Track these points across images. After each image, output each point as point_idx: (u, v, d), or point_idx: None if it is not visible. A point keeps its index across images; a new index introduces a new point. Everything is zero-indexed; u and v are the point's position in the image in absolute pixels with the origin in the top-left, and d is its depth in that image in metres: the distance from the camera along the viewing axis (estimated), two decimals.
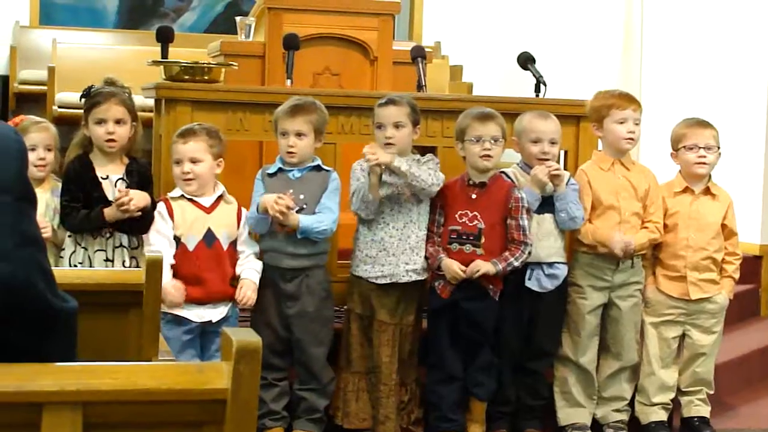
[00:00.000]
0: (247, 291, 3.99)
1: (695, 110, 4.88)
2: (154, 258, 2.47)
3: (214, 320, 3.97)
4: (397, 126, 4.11)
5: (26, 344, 1.68)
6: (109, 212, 3.99)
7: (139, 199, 3.99)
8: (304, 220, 4.01)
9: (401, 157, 4.06)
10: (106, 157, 4.12)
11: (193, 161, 3.98)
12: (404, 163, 4.02)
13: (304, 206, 4.04)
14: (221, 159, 4.05)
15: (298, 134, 4.05)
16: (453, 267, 4.07)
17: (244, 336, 1.60)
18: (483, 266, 4.06)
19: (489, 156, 4.11)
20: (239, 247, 4.06)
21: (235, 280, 4.05)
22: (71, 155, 4.15)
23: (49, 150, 4.17)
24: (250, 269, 4.03)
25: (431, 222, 4.16)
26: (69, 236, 4.10)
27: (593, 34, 7.45)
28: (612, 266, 4.32)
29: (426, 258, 4.14)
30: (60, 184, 4.17)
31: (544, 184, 4.19)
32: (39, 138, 4.12)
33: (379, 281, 4.13)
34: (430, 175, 4.06)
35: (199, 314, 3.96)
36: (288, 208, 3.97)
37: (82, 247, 4.06)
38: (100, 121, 4.07)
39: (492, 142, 4.11)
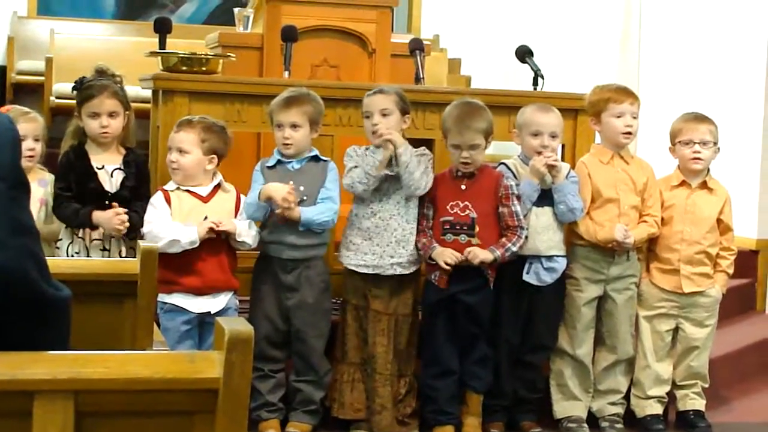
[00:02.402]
0: (226, 224, 3.94)
1: (692, 104, 4.88)
2: (148, 248, 2.47)
3: (212, 311, 3.96)
4: (383, 114, 4.10)
5: (19, 333, 1.67)
6: (98, 216, 4.02)
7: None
8: (306, 213, 4.00)
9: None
10: (101, 147, 4.13)
11: (180, 151, 3.97)
12: (408, 154, 4.02)
13: (305, 198, 4.04)
14: (215, 155, 4.00)
15: (293, 126, 4.05)
16: (445, 253, 4.06)
17: (237, 325, 1.60)
18: (480, 254, 4.05)
19: (467, 164, 4.10)
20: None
21: (234, 271, 4.05)
22: (66, 145, 4.17)
23: (37, 140, 4.19)
24: (244, 222, 4.01)
25: (421, 216, 4.15)
26: (66, 228, 4.11)
27: (591, 27, 7.44)
28: (608, 259, 4.32)
29: (418, 251, 4.13)
30: (46, 175, 4.20)
31: (542, 175, 4.19)
32: (28, 128, 4.12)
33: (360, 270, 4.12)
34: (422, 177, 4.05)
35: (197, 305, 3.96)
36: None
37: (80, 237, 4.08)
38: (94, 115, 4.08)
39: (470, 149, 4.07)
